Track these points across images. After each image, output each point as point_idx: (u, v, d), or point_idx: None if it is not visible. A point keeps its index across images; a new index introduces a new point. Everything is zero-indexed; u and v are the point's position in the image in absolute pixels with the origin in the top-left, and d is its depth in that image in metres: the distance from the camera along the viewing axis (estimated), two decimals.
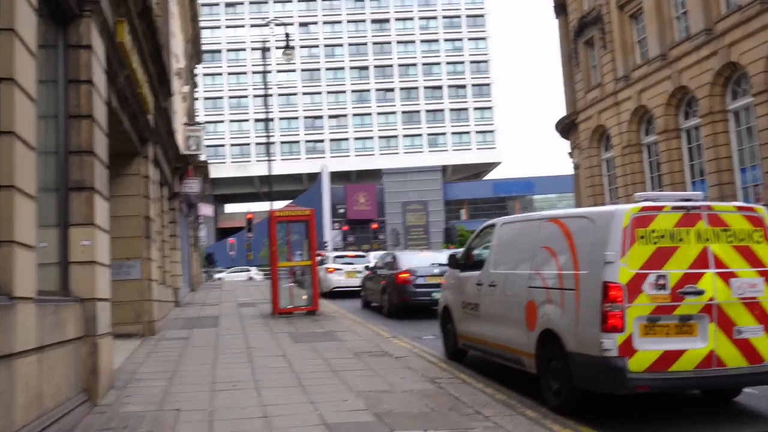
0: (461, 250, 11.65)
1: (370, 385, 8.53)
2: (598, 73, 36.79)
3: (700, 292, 6.98)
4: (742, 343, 7.06)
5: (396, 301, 16.97)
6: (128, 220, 13.56)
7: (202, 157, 30.82)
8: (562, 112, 42.63)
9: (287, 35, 32.69)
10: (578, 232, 7.71)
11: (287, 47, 32.58)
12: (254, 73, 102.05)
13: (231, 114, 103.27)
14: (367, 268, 21.08)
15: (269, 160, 35.25)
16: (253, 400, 7.86)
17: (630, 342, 6.84)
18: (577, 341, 7.26)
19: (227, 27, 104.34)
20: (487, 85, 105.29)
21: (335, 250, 44.83)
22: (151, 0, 11.86)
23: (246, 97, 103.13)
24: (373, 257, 25.44)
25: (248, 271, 43.35)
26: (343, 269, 24.41)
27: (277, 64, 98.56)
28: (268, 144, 35.68)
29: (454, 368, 9.84)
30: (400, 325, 15.46)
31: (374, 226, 50.45)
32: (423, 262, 17.52)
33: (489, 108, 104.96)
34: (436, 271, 16.47)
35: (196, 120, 36.72)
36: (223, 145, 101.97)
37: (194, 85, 40.69)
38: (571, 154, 42.90)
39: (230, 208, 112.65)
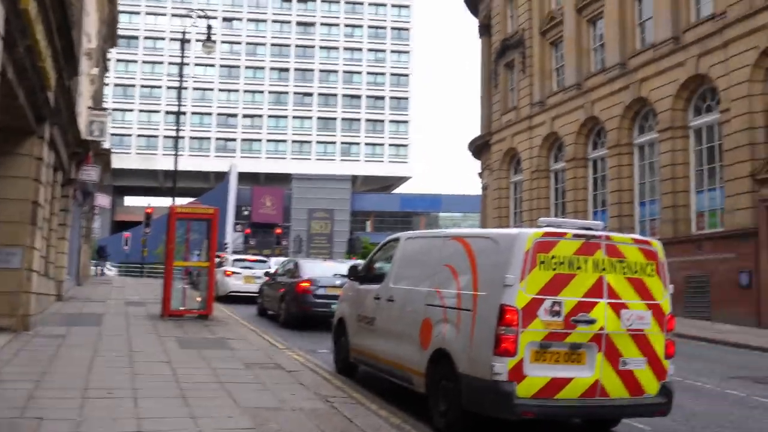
0: (363, 261, 11.51)
1: (259, 401, 7.97)
2: (515, 96, 37.30)
3: (591, 321, 7.00)
4: (626, 374, 7.15)
5: (294, 310, 16.35)
6: (13, 204, 12.50)
7: (106, 145, 29.40)
8: (475, 132, 42.98)
9: (209, 28, 31.68)
10: (481, 252, 7.61)
11: (208, 40, 31.54)
12: (170, 63, 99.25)
13: (141, 103, 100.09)
14: (266, 274, 20.36)
15: (176, 155, 33.99)
16: (129, 411, 7.17)
17: (520, 367, 6.79)
18: (469, 363, 7.16)
19: (147, 14, 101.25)
20: (406, 98, 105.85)
21: (235, 252, 43.79)
22: None
23: (159, 87, 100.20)
24: (274, 263, 24.70)
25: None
26: (242, 273, 23.52)
27: (196, 57, 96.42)
28: (176, 138, 34.45)
29: (348, 386, 9.37)
30: (296, 336, 14.88)
31: (278, 231, 49.44)
32: (325, 271, 16.97)
33: (405, 122, 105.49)
34: (338, 282, 15.91)
35: (104, 105, 35.07)
36: (129, 135, 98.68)
37: (105, 69, 38.97)
38: (481, 175, 43.33)
39: (130, 201, 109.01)
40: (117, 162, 77.47)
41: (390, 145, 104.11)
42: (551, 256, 7.00)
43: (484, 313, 7.07)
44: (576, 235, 7.22)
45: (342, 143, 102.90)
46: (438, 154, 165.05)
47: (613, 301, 7.12)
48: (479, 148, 42.31)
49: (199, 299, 16.57)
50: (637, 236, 8.01)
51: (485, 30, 43.15)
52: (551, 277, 6.97)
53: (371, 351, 9.55)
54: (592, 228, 7.57)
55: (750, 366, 14.07)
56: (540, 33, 35.06)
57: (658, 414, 7.47)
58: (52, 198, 16.99)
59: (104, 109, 25.99)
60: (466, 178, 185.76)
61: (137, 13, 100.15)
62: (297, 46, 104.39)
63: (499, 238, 7.52)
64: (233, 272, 23.34)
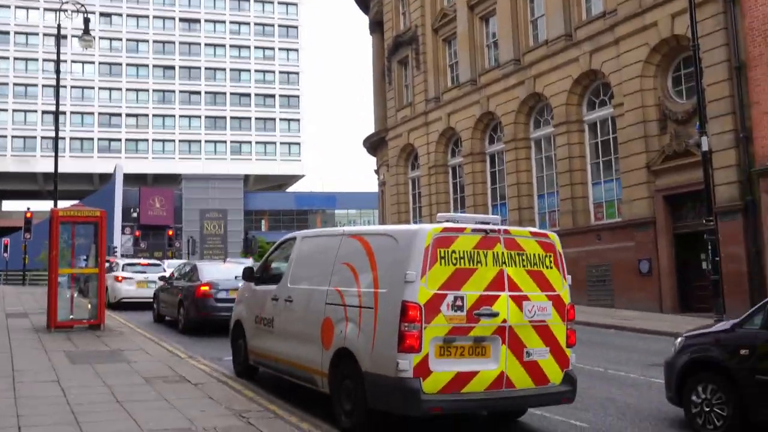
0: (258, 263, 11.53)
1: (165, 421, 7.18)
2: (410, 93, 37.16)
3: (494, 314, 7.05)
4: (530, 364, 7.25)
5: (194, 316, 15.40)
6: None
7: None
8: (370, 129, 42.67)
9: (86, 21, 29.84)
10: (380, 249, 7.60)
11: (86, 33, 29.74)
12: (45, 60, 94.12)
13: (15, 103, 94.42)
14: (162, 278, 19.19)
15: (56, 156, 31.93)
16: None
17: (426, 363, 6.79)
18: (373, 361, 7.12)
19: (18, 7, 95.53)
20: (296, 96, 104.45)
21: (125, 256, 41.65)
22: None
23: (35, 86, 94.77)
24: (168, 266, 23.47)
25: None
26: (134, 278, 22.14)
27: (73, 54, 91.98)
28: (56, 139, 32.38)
29: (261, 397, 8.68)
30: (198, 344, 13.97)
31: (170, 233, 47.44)
32: (226, 274, 16.07)
33: (296, 120, 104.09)
34: (241, 284, 15.14)
35: None
36: (4, 136, 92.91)
37: None
38: (377, 171, 43.05)
39: (8, 206, 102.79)
40: None
41: (281, 143, 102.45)
42: (451, 251, 7.02)
43: (386, 311, 7.02)
44: (475, 230, 7.25)
45: (232, 142, 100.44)
46: (331, 151, 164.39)
47: (514, 293, 7.19)
48: (375, 144, 42.01)
49: (89, 307, 15.32)
50: (534, 229, 8.13)
51: (376, 26, 42.87)
52: (452, 272, 6.98)
53: (271, 353, 9.38)
54: (489, 222, 7.60)
55: (663, 353, 14.17)
56: (433, 30, 35.03)
57: (564, 401, 7.58)
58: None
59: None
60: (361, 175, 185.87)
61: (7, 6, 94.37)
62: (181, 43, 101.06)
63: (398, 235, 7.46)
64: (125, 277, 21.96)
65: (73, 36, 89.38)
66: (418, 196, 36.71)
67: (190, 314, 15.49)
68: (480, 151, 31.58)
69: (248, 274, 10.57)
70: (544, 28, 28.18)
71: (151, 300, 20.74)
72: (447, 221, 7.41)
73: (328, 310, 8.01)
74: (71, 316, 14.67)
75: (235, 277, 15.68)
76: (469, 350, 7.00)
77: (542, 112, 28.41)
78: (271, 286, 9.70)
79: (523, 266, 7.35)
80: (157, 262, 25.64)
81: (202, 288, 15.22)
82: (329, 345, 7.88)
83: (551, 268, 7.54)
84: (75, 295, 15.06)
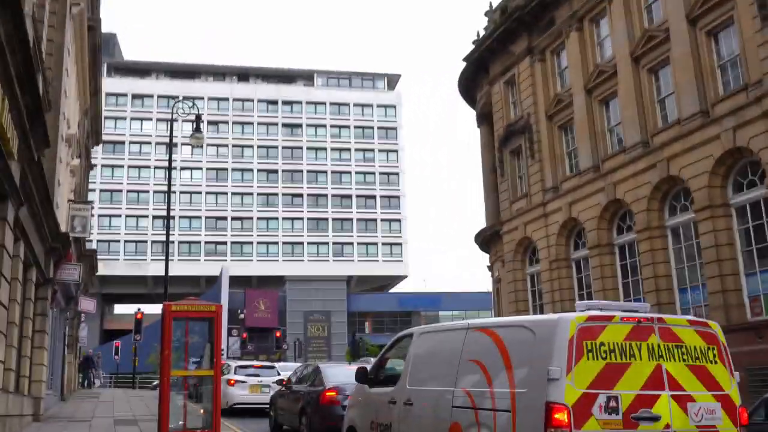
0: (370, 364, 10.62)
1: None
2: (524, 184, 35.43)
3: (656, 418, 6.09)
4: None
5: (319, 426, 13.61)
6: None
7: (91, 244, 26.98)
8: (475, 226, 40.97)
9: (198, 117, 29.93)
10: (514, 343, 6.67)
11: (197, 130, 29.75)
12: (156, 168, 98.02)
13: (128, 208, 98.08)
14: (279, 382, 17.54)
15: (166, 260, 31.62)
16: None
17: None
18: None
19: (132, 119, 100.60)
20: (397, 197, 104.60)
21: (232, 359, 40.65)
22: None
23: (147, 192, 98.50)
24: (282, 369, 21.87)
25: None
26: (247, 382, 20.64)
27: (182, 161, 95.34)
28: (167, 243, 32.16)
29: None
30: None
31: (278, 334, 46.35)
32: (352, 377, 14.26)
33: (398, 220, 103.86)
34: (353, 387, 13.35)
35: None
36: (117, 241, 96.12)
37: (89, 167, 36.94)
38: (490, 268, 41.01)
39: (120, 309, 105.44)
40: (104, 269, 74.84)
41: (383, 244, 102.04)
42: (599, 342, 6.12)
43: (527, 414, 6.11)
44: (625, 319, 6.35)
45: (334, 243, 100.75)
46: (435, 251, 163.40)
47: (676, 393, 6.24)
48: (487, 239, 40.15)
49: (202, 411, 13.72)
50: (692, 317, 7.08)
51: (484, 119, 41.83)
52: (602, 368, 6.07)
53: None
54: (639, 310, 6.68)
55: None
56: (547, 117, 33.52)
57: None
58: (25, 299, 14.44)
59: (87, 203, 23.65)
60: (465, 274, 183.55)
61: (123, 118, 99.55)
62: (284, 147, 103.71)
63: (535, 326, 6.57)
64: (237, 381, 20.42)
65: (183, 144, 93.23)
66: (537, 293, 34.34)
67: (314, 424, 13.72)
68: (607, 242, 29.22)
69: (362, 376, 9.85)
70: (674, 106, 26.16)
71: (266, 406, 19.20)
72: (589, 309, 6.51)
73: (456, 414, 7.08)
74: (183, 424, 13.07)
75: None
76: None
77: (678, 197, 26.03)
78: (387, 388, 8.88)
79: (684, 360, 6.37)
80: (271, 364, 24.14)
81: (328, 394, 13.48)
82: None
83: (716, 362, 6.52)
84: (187, 401, 13.51)
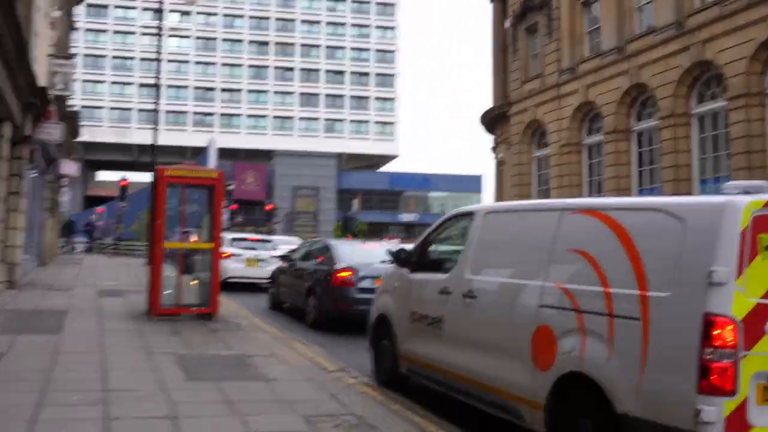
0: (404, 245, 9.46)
1: None
2: (539, 63, 33.24)
3: None
4: None
5: (329, 308, 12.25)
6: None
7: (74, 108, 24.92)
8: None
9: None
10: (645, 232, 5.08)
11: None
12: (143, 34, 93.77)
13: (113, 75, 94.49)
14: (283, 257, 16.10)
15: (155, 128, 29.75)
16: None
17: (743, 413, 4.43)
18: (643, 401, 4.76)
19: None
20: (391, 75, 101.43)
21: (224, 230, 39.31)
22: None
23: (132, 59, 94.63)
24: (279, 242, 20.49)
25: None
26: (243, 255, 19.22)
27: (170, 29, 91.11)
28: (156, 111, 30.21)
29: None
30: (339, 346, 10.86)
31: (268, 207, 44.70)
32: (368, 257, 12.79)
33: (391, 99, 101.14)
34: (386, 270, 11.92)
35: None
36: (101, 107, 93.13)
37: (72, 25, 34.20)
38: (494, 149, 39.37)
39: (103, 176, 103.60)
40: (89, 135, 72.54)
41: (376, 122, 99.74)
42: None
43: (669, 325, 4.67)
44: None
45: (326, 120, 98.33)
46: (427, 132, 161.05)
47: None
48: (494, 120, 38.28)
49: (193, 283, 12.22)
50: None
51: None
52: None
53: (440, 363, 7.03)
54: None
55: None
56: None
57: None
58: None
59: (69, 57, 21.38)
60: (457, 157, 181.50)
61: None
62: (277, 19, 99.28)
63: (684, 212, 4.89)
64: (232, 254, 18.93)
65: (171, 11, 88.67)
66: (543, 178, 32.90)
67: (324, 306, 12.34)
68: (625, 128, 27.47)
69: (401, 258, 8.18)
70: None
71: (261, 281, 17.90)
72: (747, 191, 4.83)
73: (545, 316, 5.64)
74: (177, 302, 11.65)
75: (382, 262, 12.49)
76: None
77: (709, 84, 24.14)
78: (438, 275, 7.31)
79: None
80: (268, 237, 22.68)
81: (342, 274, 12.03)
82: (548, 365, 5.53)
83: None
84: (185, 276, 12.00)
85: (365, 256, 12.87)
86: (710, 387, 4.38)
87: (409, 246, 8.92)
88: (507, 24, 36.52)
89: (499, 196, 37.81)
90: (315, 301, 12.63)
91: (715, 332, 4.38)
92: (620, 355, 4.94)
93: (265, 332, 11.02)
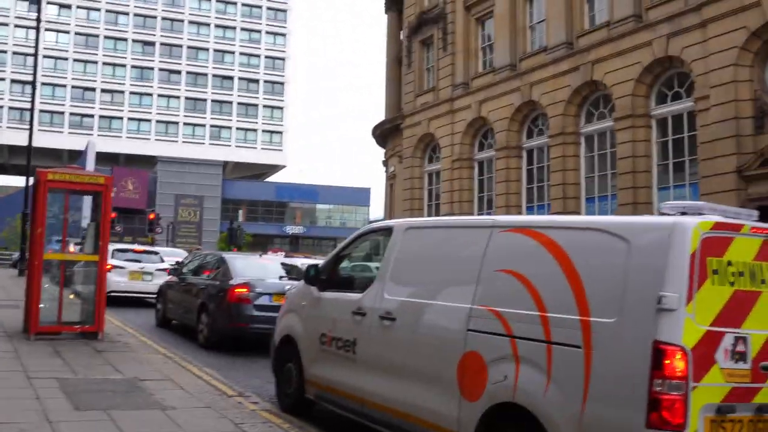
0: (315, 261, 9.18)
1: None
2: (433, 77, 33.54)
3: None
4: None
5: (223, 326, 11.54)
6: None
7: None
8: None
9: None
10: (585, 253, 4.77)
11: None
12: (17, 26, 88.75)
13: None
14: (174, 270, 15.21)
15: (29, 129, 27.97)
16: None
17: None
18: None
19: None
20: (281, 83, 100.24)
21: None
22: None
23: (5, 52, 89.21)
24: (171, 254, 19.51)
25: None
26: (126, 268, 18.07)
27: (47, 21, 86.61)
28: (32, 111, 28.44)
29: None
30: (233, 367, 10.23)
31: (151, 216, 42.82)
32: (266, 272, 12.20)
33: (280, 108, 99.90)
34: (289, 287, 11.37)
35: None
36: None
37: None
38: (385, 163, 39.38)
39: None
40: None
41: (264, 131, 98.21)
42: (726, 261, 4.37)
43: (616, 354, 4.35)
44: (754, 230, 4.55)
45: (212, 126, 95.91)
46: (315, 144, 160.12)
47: None
48: (386, 133, 38.26)
49: (72, 296, 11.26)
50: None
51: (393, 4, 39.22)
52: (730, 297, 4.34)
53: (353, 390, 6.55)
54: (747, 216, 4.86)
55: None
56: (465, 7, 31.42)
57: None
58: None
59: None
60: (344, 169, 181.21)
61: None
62: (163, 18, 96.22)
63: (629, 232, 4.58)
64: (115, 266, 17.75)
65: (48, 2, 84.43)
66: (434, 193, 33.10)
67: (217, 324, 11.62)
68: (516, 144, 28.03)
69: (312, 275, 7.48)
70: (605, 7, 24.71)
71: (146, 296, 16.95)
72: (695, 213, 4.56)
73: (474, 341, 5.24)
74: (57, 320, 10.69)
75: (280, 278, 11.97)
76: (749, 428, 4.31)
77: (597, 104, 24.95)
78: (351, 294, 6.89)
79: None
80: (154, 249, 21.50)
81: (238, 290, 11.33)
82: (477, 395, 5.10)
83: None
84: (71, 290, 11.01)
85: (262, 271, 12.27)
86: (660, 421, 4.10)
87: (313, 262, 8.53)
88: (402, 36, 36.66)
89: (390, 210, 37.80)
90: (208, 319, 11.87)
91: (665, 362, 4.11)
92: (559, 385, 4.59)
93: (155, 352, 10.25)
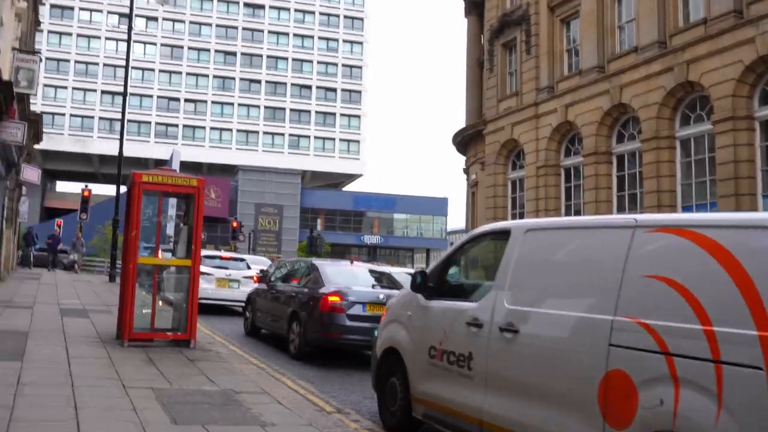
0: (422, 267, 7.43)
1: None
2: (516, 81, 32.77)
3: None
4: None
5: (316, 336, 11.20)
6: None
7: (36, 106, 23.63)
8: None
9: None
10: (760, 256, 4.01)
11: None
12: (108, 39, 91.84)
13: (75, 81, 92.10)
14: (263, 278, 15.03)
15: (122, 139, 28.55)
16: None
17: None
18: None
19: None
20: (359, 92, 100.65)
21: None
22: None
23: (96, 64, 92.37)
24: (253, 262, 19.40)
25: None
26: (213, 275, 17.98)
27: (135, 34, 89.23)
28: (123, 121, 29.01)
29: None
30: (329, 380, 9.87)
31: (234, 224, 43.35)
32: (359, 280, 11.85)
33: (357, 116, 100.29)
34: (383, 296, 10.98)
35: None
36: (63, 114, 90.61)
37: (37, 22, 32.84)
38: (466, 171, 38.73)
39: (62, 186, 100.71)
40: (48, 143, 70.24)
41: (341, 140, 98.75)
42: None
43: None
44: None
45: (290, 135, 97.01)
46: (393, 152, 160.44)
47: None
48: (467, 140, 37.65)
49: (161, 303, 11.06)
50: None
51: (474, 7, 38.69)
52: None
53: (470, 410, 5.84)
54: None
55: None
56: (549, 8, 30.60)
57: None
58: None
59: (35, 53, 20.09)
60: (421, 178, 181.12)
61: None
62: (244, 29, 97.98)
63: None
64: (202, 272, 17.66)
65: (137, 15, 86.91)
66: (518, 200, 32.29)
67: (309, 334, 11.29)
68: (606, 150, 27.00)
69: (419, 282, 6.81)
70: (701, 4, 23.58)
71: (233, 304, 16.85)
72: None
73: (619, 358, 4.58)
74: (150, 326, 10.54)
75: (373, 286, 11.58)
76: None
77: (694, 106, 23.79)
78: (464, 303, 6.27)
79: None
80: (241, 256, 21.43)
81: (331, 299, 10.96)
82: (625, 421, 4.42)
83: None
84: (161, 296, 10.88)
85: (356, 279, 11.90)
86: None
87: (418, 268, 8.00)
88: (483, 39, 36.05)
89: (472, 218, 37.14)
90: (299, 329, 11.55)
91: None
92: (733, 413, 3.90)
93: (248, 363, 9.98)
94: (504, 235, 6.16)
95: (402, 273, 15.32)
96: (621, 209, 26.42)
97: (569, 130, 29.12)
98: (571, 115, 28.42)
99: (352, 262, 13.50)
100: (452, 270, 7.05)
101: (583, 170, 27.90)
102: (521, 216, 31.53)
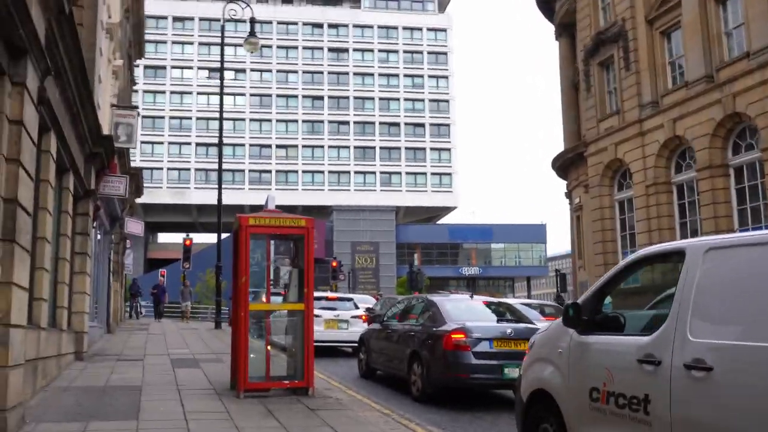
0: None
1: None
2: (616, 99, 31.45)
3: None
4: None
5: (439, 377, 10.41)
6: None
7: (135, 162, 23.99)
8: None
9: (252, 21, 26.97)
10: None
11: (251, 35, 26.80)
12: (199, 93, 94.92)
13: (171, 135, 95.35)
14: (372, 318, 14.39)
15: (219, 188, 28.81)
16: None
17: None
18: None
19: (174, 42, 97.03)
20: (447, 125, 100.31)
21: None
22: None
23: (189, 118, 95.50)
24: (360, 301, 18.81)
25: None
26: (322, 316, 17.43)
27: (225, 86, 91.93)
28: (220, 171, 29.31)
29: None
30: (459, 423, 9.10)
31: (334, 264, 43.37)
32: (481, 315, 11.04)
33: (447, 149, 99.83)
34: (510, 331, 10.11)
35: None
36: (160, 169, 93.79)
37: (132, 80, 33.81)
38: (568, 195, 37.38)
39: (163, 238, 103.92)
40: (148, 197, 72.64)
41: (432, 173, 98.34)
42: None
43: None
44: None
45: (381, 173, 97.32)
46: (485, 182, 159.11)
47: None
48: (567, 163, 36.38)
49: (287, 360, 10.49)
50: None
51: (564, 29, 37.70)
52: None
53: None
54: None
55: None
56: (647, 21, 29.29)
57: None
58: (61, 211, 11.42)
59: (132, 108, 20.38)
60: (517, 206, 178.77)
61: (164, 42, 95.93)
62: (330, 72, 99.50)
63: None
64: None
65: (226, 69, 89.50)
66: (627, 222, 30.74)
67: (433, 374, 10.50)
68: (722, 162, 25.33)
69: (572, 315, 5.93)
70: None
71: (342, 345, 16.25)
72: None
73: None
74: (265, 375, 9.98)
75: (498, 320, 10.73)
76: None
77: None
78: (630, 338, 5.42)
79: None
80: (348, 296, 20.91)
81: (455, 336, 10.17)
82: None
83: None
84: (267, 343, 10.28)
85: (475, 314, 11.08)
86: None
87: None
88: (578, 60, 34.93)
89: (577, 243, 35.72)
90: (421, 369, 10.78)
91: None
92: None
93: (371, 409, 9.27)
94: (675, 257, 5.26)
95: (516, 303, 14.44)
96: (743, 224, 24.65)
97: (678, 145, 27.58)
98: (680, 129, 26.91)
99: (471, 296, 12.65)
100: (607, 300, 6.14)
101: (698, 185, 26.26)
102: (632, 238, 30.00)
